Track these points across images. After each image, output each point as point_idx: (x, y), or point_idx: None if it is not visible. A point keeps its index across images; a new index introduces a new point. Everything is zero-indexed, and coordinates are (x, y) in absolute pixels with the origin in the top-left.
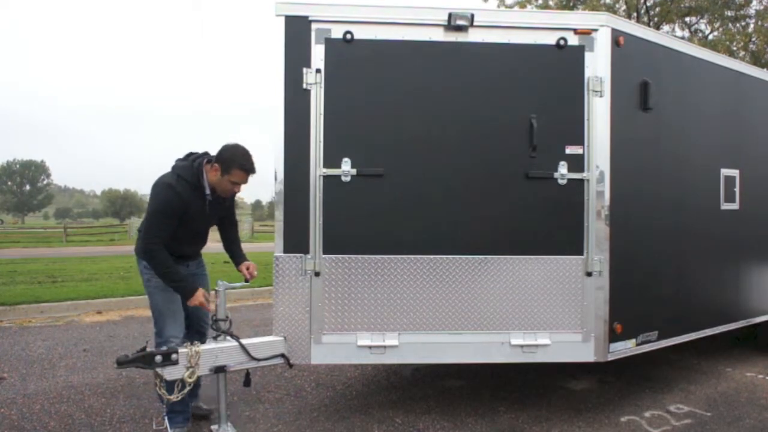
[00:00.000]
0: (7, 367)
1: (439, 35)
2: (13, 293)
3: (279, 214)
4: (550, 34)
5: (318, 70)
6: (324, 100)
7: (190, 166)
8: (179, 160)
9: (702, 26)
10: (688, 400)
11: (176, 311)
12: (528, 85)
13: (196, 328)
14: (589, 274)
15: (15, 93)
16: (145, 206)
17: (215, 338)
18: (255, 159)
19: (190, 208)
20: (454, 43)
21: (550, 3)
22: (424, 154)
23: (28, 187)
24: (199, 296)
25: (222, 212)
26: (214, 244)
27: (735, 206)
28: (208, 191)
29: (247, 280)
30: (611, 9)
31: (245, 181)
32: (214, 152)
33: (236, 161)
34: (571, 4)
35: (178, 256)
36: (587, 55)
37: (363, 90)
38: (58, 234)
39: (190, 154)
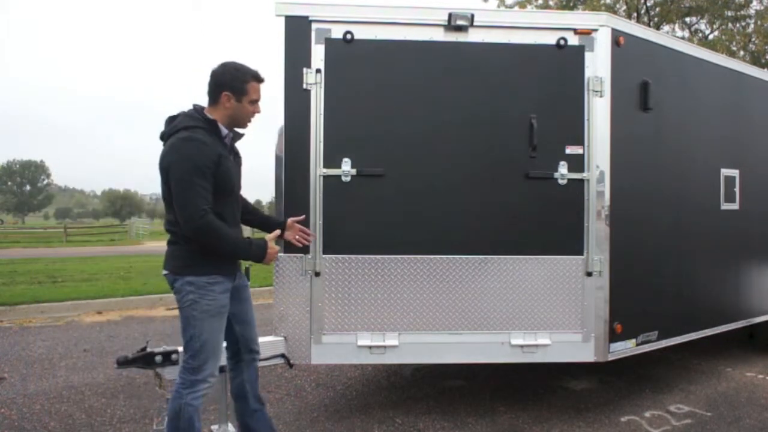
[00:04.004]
0: (7, 367)
1: (439, 35)
2: (13, 293)
3: (279, 214)
4: (550, 34)
5: (318, 71)
6: (324, 100)
7: (192, 114)
8: (169, 119)
9: (702, 26)
10: (688, 400)
11: (220, 342)
12: (528, 85)
13: (249, 348)
14: (589, 274)
15: (15, 93)
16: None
17: None
18: (255, 159)
19: (221, 157)
20: (454, 43)
21: (550, 3)
22: (424, 154)
23: (28, 187)
24: (274, 251)
25: (240, 165)
26: None
27: (735, 206)
28: (225, 131)
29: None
30: (611, 9)
31: (259, 97)
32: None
33: (247, 74)
34: (571, 4)
35: (232, 264)
36: (587, 55)
37: (363, 90)
38: (58, 234)
39: (172, 117)
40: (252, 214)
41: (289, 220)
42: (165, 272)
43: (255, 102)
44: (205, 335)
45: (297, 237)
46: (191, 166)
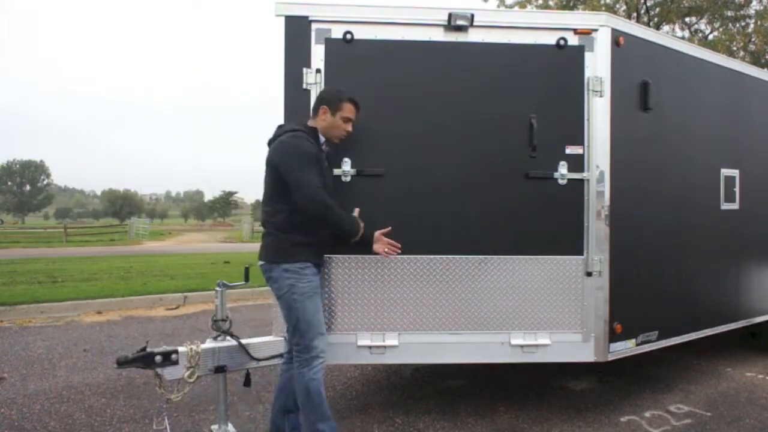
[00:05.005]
0: (7, 367)
1: (439, 35)
2: (13, 293)
3: None
4: (550, 34)
5: (318, 70)
6: None
7: (296, 123)
8: (279, 127)
9: (702, 26)
10: (688, 400)
11: (321, 320)
12: (528, 85)
13: None
14: (589, 274)
15: (15, 93)
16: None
17: (215, 338)
18: (255, 160)
19: (320, 157)
20: (454, 43)
21: (550, 3)
22: (424, 154)
23: (28, 187)
24: (361, 224)
25: (330, 172)
26: (213, 245)
27: (735, 206)
28: (322, 139)
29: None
30: (611, 9)
31: (354, 117)
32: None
33: (344, 95)
34: (571, 4)
35: (320, 253)
36: (587, 55)
37: (363, 90)
38: (58, 234)
39: (281, 125)
40: None
41: (377, 233)
42: (261, 263)
43: (348, 120)
44: (309, 315)
45: (386, 249)
46: (303, 153)
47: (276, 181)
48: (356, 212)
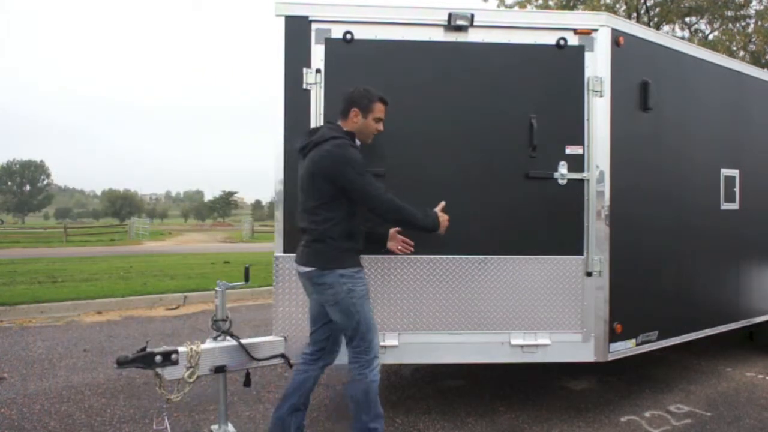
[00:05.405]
0: (7, 367)
1: (439, 35)
2: (13, 293)
3: (279, 214)
4: (550, 34)
5: (318, 70)
6: (324, 100)
7: (333, 127)
8: (311, 131)
9: (702, 26)
10: (688, 400)
11: (375, 321)
12: (528, 85)
13: (336, 348)
14: (589, 274)
15: (15, 93)
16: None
17: (215, 338)
18: (255, 159)
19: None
20: (454, 43)
21: (550, 3)
22: (424, 153)
23: (28, 187)
24: (446, 218)
25: None
26: (213, 245)
27: (735, 206)
28: (357, 142)
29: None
30: (611, 9)
31: (384, 116)
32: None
33: (374, 94)
34: (571, 4)
35: (358, 249)
36: (587, 55)
37: None
38: (58, 234)
39: (313, 130)
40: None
41: (391, 230)
42: (309, 269)
43: (379, 120)
44: (368, 316)
45: (400, 247)
46: (357, 163)
47: (326, 191)
48: (440, 206)
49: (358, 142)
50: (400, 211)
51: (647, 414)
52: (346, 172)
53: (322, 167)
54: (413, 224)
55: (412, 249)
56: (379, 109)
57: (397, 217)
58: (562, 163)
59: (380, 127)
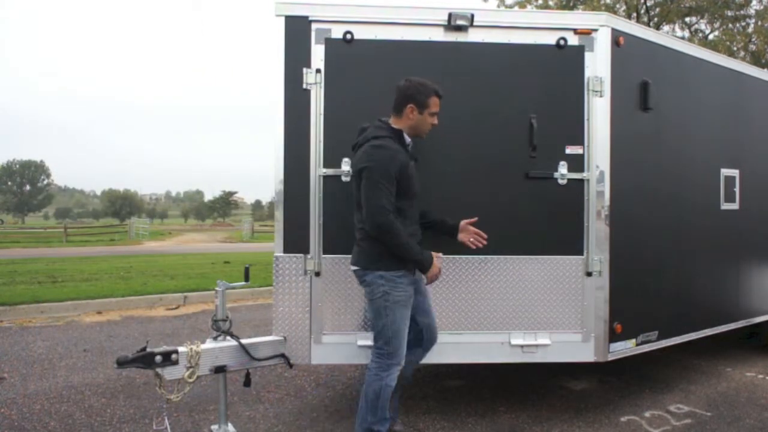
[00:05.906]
0: (7, 367)
1: (439, 35)
2: (13, 293)
3: (279, 214)
4: (550, 34)
5: (318, 70)
6: (324, 100)
7: (380, 125)
8: (361, 129)
9: (702, 26)
10: (688, 400)
11: (406, 330)
12: (528, 85)
13: (433, 336)
14: (589, 274)
15: (15, 93)
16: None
17: (215, 338)
18: (255, 159)
19: (406, 163)
20: (454, 43)
21: (550, 3)
22: (423, 153)
23: (28, 187)
24: (437, 269)
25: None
26: (213, 245)
27: (735, 206)
28: (408, 139)
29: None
30: (611, 9)
31: (439, 109)
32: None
33: (430, 89)
34: (571, 4)
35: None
36: (587, 55)
37: (363, 90)
38: (58, 234)
39: (363, 128)
40: (425, 216)
41: (463, 222)
42: (355, 268)
43: (434, 114)
44: (397, 324)
45: (471, 239)
46: (381, 169)
47: None
48: (437, 255)
49: (408, 139)
50: (386, 234)
51: (647, 414)
52: (368, 172)
53: (355, 165)
54: (401, 254)
55: (485, 242)
56: (434, 103)
57: (383, 238)
58: (562, 163)
59: (435, 121)
